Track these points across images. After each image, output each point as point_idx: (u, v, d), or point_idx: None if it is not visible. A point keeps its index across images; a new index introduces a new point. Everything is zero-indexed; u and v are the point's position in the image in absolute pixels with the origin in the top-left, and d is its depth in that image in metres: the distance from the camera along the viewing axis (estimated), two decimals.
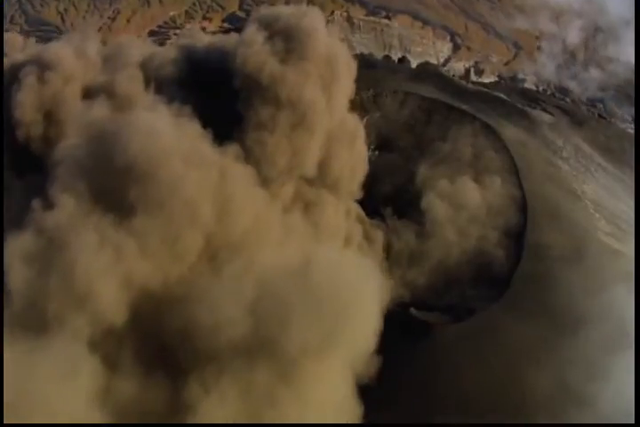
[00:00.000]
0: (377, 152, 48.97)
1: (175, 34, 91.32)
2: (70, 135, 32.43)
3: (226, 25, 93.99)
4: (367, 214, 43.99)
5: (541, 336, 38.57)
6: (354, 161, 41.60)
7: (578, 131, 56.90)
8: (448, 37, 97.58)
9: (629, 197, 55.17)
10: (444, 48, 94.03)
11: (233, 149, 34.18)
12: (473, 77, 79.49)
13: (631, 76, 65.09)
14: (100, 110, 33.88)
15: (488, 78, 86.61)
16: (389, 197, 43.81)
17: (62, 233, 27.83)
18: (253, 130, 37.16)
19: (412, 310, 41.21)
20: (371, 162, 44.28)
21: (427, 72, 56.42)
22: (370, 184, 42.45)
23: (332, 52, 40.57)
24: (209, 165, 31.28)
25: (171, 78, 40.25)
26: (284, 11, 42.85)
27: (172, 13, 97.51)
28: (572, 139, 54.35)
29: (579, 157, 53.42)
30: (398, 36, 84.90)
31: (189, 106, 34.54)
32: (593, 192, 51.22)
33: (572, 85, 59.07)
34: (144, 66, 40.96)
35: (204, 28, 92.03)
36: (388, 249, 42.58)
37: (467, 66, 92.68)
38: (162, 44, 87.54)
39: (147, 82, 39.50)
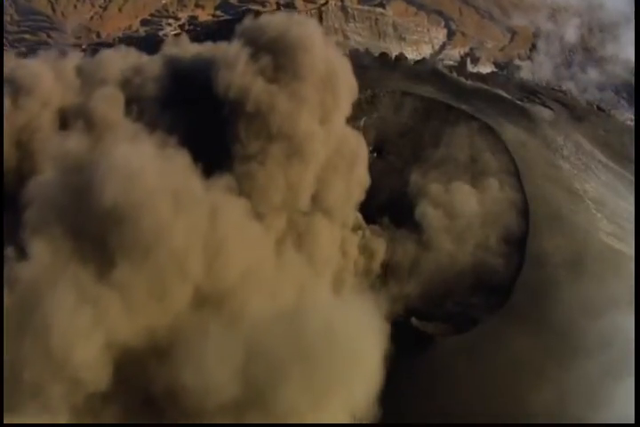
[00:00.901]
0: (375, 154, 47.09)
1: (168, 24, 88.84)
2: (44, 170, 30.00)
3: (218, 13, 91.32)
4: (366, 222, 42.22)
5: (543, 349, 37.56)
6: (352, 186, 39.11)
7: (578, 126, 55.24)
8: (442, 23, 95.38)
9: (630, 193, 54.22)
10: (439, 34, 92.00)
11: (224, 181, 31.94)
12: (469, 67, 77.20)
13: (630, 77, 62.73)
14: (76, 141, 31.29)
15: (484, 66, 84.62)
16: (386, 206, 41.99)
17: (37, 288, 25.03)
18: (243, 162, 34.63)
19: (413, 320, 39.75)
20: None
21: (425, 70, 54.43)
22: (367, 192, 40.68)
23: (331, 68, 37.37)
24: (198, 205, 28.78)
25: (154, 98, 37.61)
26: (273, 21, 39.17)
27: (164, 1, 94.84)
28: (573, 136, 52.88)
29: (579, 154, 51.96)
30: (393, 24, 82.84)
31: (175, 133, 32.44)
32: (594, 190, 49.94)
33: (569, 86, 56.58)
34: (125, 84, 38.23)
35: (195, 17, 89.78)
36: (387, 259, 40.77)
37: (462, 53, 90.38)
38: (154, 34, 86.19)
39: (128, 103, 36.99)
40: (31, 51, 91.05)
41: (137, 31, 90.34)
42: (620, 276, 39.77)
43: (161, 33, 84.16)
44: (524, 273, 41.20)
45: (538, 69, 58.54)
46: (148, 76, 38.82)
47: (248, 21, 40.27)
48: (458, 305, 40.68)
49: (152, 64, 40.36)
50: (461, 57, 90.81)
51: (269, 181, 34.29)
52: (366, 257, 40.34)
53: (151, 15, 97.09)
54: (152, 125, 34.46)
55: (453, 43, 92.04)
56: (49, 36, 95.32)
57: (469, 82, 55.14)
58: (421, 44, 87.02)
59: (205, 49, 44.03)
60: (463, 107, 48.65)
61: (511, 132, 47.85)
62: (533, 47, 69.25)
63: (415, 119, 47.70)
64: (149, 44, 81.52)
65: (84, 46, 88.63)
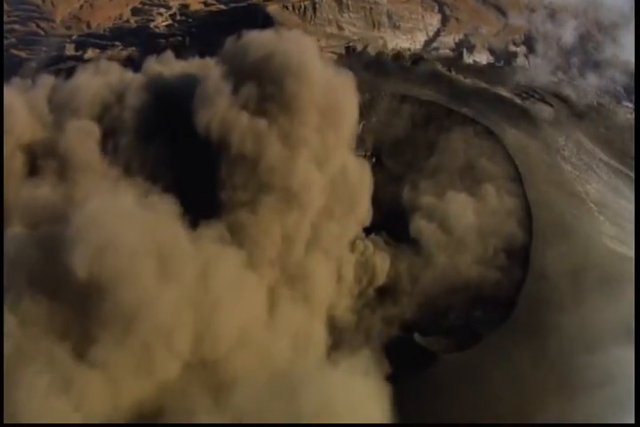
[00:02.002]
0: (374, 159, 45.37)
1: (159, 13, 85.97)
2: (14, 222, 26.79)
3: (210, 1, 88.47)
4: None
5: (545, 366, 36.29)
6: (351, 225, 36.26)
7: (578, 125, 53.47)
8: (436, 8, 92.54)
9: (631, 192, 52.83)
10: (433, 20, 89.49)
11: (214, 230, 29.08)
12: (466, 58, 75.16)
13: (630, 81, 60.37)
14: (47, 190, 28.35)
15: (480, 55, 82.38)
16: (385, 218, 40.27)
17: (7, 368, 21.76)
18: (231, 210, 31.17)
19: (416, 336, 38.40)
20: None
21: (424, 71, 52.37)
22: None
23: (332, 97, 33.21)
24: (186, 266, 25.66)
25: (134, 132, 33.87)
26: (257, 40, 34.56)
27: None
28: (574, 135, 51.35)
29: (581, 154, 50.53)
30: (387, 13, 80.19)
31: (158, 174, 29.80)
32: (596, 192, 48.73)
33: (568, 91, 54.25)
34: (101, 115, 34.57)
35: (187, 5, 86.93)
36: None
37: (457, 40, 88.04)
38: (145, 26, 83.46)
39: (105, 137, 33.44)
40: (21, 42, 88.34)
41: (128, 21, 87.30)
42: (621, 289, 38.13)
43: (152, 24, 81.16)
44: (527, 285, 39.82)
45: (535, 73, 55.82)
46: (128, 105, 34.99)
47: (230, 43, 36.02)
48: (460, 318, 39.31)
49: (132, 91, 36.24)
50: (456, 43, 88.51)
51: (262, 232, 30.99)
52: (367, 274, 38.30)
53: (142, 3, 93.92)
54: (132, 166, 31.66)
55: (448, 29, 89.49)
56: (38, 26, 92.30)
57: (468, 80, 52.99)
58: (416, 31, 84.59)
59: (192, 66, 40.25)
60: (463, 110, 46.96)
61: (512, 136, 46.23)
62: (530, 50, 66.46)
63: (414, 123, 46.03)
64: (140, 36, 79.78)
65: (74, 37, 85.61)
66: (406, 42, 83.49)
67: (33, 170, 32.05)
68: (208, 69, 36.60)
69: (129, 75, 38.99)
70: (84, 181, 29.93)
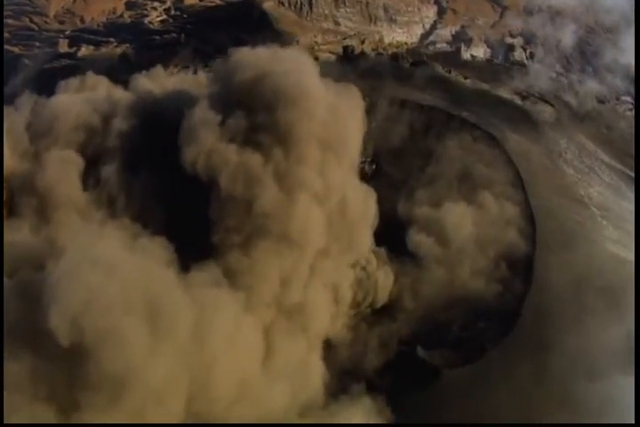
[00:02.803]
0: (374, 166, 44.10)
1: (153, 7, 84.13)
2: None
3: None
4: None
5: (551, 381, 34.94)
6: (351, 257, 33.93)
7: (580, 125, 52.23)
8: (432, 0, 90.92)
9: (632, 192, 52.01)
10: (430, 12, 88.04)
11: (209, 273, 26.70)
12: (463, 53, 73.66)
13: (630, 86, 58.61)
14: (26, 235, 26.04)
15: (477, 49, 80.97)
16: (384, 230, 38.19)
17: None
18: (224, 251, 28.51)
19: (419, 350, 37.35)
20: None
21: (423, 73, 50.88)
22: None
23: (335, 127, 29.89)
24: (180, 321, 23.51)
25: (120, 162, 30.86)
26: (249, 60, 30.93)
27: None
28: (575, 136, 50.29)
29: (583, 156, 49.44)
30: (383, 6, 78.69)
31: (146, 212, 27.48)
32: (598, 195, 47.76)
33: (568, 98, 52.59)
34: (84, 143, 31.63)
35: (182, 0, 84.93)
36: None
37: (453, 32, 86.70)
38: (140, 22, 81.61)
39: (89, 167, 30.69)
40: (15, 37, 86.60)
41: (122, 16, 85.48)
42: (624, 303, 36.94)
43: (146, 20, 79.35)
44: (531, 295, 38.71)
45: (534, 79, 54.17)
46: (114, 130, 31.99)
47: (218, 64, 33.56)
48: (463, 331, 38.26)
49: (119, 114, 33.13)
50: (453, 35, 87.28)
51: (257, 275, 28.38)
52: (369, 293, 36.87)
53: None
54: (118, 203, 29.09)
55: (444, 21, 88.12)
56: (31, 20, 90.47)
57: (468, 81, 51.58)
58: (412, 24, 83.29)
59: (184, 82, 37.83)
60: (464, 114, 45.53)
61: (514, 141, 45.06)
62: (530, 56, 64.62)
63: (414, 129, 44.47)
64: (135, 32, 78.04)
65: (67, 32, 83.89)
66: (403, 35, 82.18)
67: (12, 209, 29.32)
68: (200, 88, 34.55)
69: (117, 92, 36.25)
70: (67, 221, 27.74)
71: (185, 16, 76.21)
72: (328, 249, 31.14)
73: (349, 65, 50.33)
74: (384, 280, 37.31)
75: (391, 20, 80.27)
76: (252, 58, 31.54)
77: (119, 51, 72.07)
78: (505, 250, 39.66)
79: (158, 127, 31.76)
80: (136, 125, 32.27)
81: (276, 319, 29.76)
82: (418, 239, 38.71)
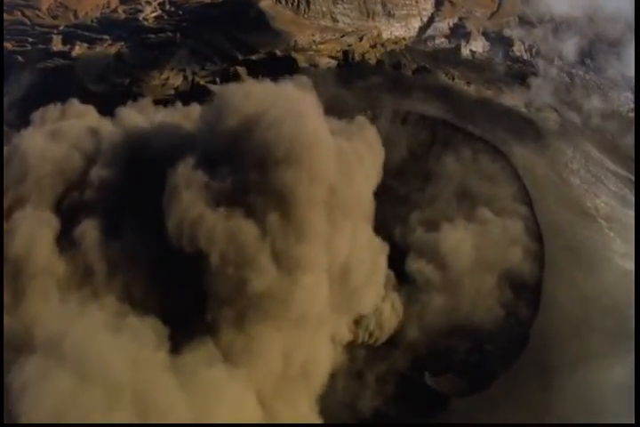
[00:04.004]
0: None
1: (147, 1, 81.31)
2: None
3: None
4: None
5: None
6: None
7: (585, 132, 50.29)
8: None
9: None
10: (427, 5, 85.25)
11: (204, 352, 23.88)
12: (463, 49, 71.55)
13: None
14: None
15: (476, 42, 78.60)
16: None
17: None
18: (220, 328, 25.13)
19: (427, 376, 35.87)
20: None
21: (426, 82, 48.75)
22: None
23: (346, 187, 25.34)
24: (172, 413, 21.09)
25: (102, 224, 26.27)
26: (237, 102, 25.79)
27: None
28: (581, 145, 48.48)
29: (589, 165, 47.81)
30: (381, 1, 75.94)
31: (132, 285, 23.63)
32: (605, 205, 46.47)
33: (571, 116, 50.16)
34: (63, 195, 27.53)
35: None
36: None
37: (451, 24, 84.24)
38: (134, 18, 78.88)
39: (65, 226, 26.47)
40: (7, 32, 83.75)
41: (116, 10, 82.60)
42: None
43: (141, 16, 76.65)
44: (539, 318, 37.16)
45: (535, 96, 51.79)
46: (93, 180, 27.61)
47: (205, 109, 28.26)
48: (471, 354, 36.66)
49: (99, 161, 28.61)
50: (451, 28, 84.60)
51: (254, 352, 25.31)
52: (375, 329, 35.04)
53: None
54: (98, 273, 25.02)
55: (442, 13, 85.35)
56: (24, 14, 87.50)
57: (472, 88, 49.47)
58: (410, 18, 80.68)
59: (174, 116, 33.07)
60: (469, 127, 43.46)
61: (520, 154, 43.26)
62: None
63: (418, 144, 42.43)
64: (129, 29, 75.40)
65: (61, 28, 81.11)
66: (401, 30, 79.63)
67: None
68: (191, 124, 30.26)
69: (102, 127, 31.57)
70: (43, 295, 24.24)
71: (180, 12, 73.56)
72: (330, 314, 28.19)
73: (350, 74, 47.89)
74: (390, 315, 35.20)
75: (389, 15, 77.70)
76: (239, 98, 26.66)
77: (114, 50, 69.22)
78: (509, 272, 38.18)
79: (143, 177, 27.66)
80: (118, 175, 28.04)
81: (277, 386, 26.98)
82: (417, 266, 37.08)
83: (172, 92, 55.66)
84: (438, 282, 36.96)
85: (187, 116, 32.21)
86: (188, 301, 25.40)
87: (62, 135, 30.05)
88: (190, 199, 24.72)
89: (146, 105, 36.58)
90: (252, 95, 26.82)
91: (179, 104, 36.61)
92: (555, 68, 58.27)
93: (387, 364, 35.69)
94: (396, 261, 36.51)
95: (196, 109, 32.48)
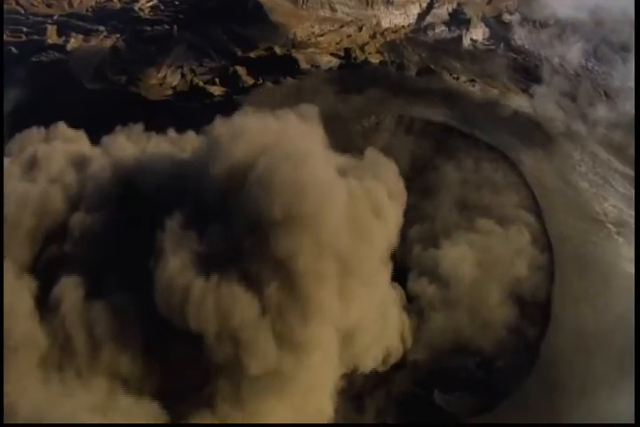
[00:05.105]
0: None
1: None
2: None
3: None
4: None
5: None
6: None
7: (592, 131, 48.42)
8: None
9: None
10: None
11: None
12: (464, 40, 69.12)
13: None
14: None
15: (476, 30, 76.02)
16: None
17: None
18: (220, 403, 22.39)
19: (436, 394, 34.59)
20: None
21: (431, 85, 46.63)
22: None
23: (360, 245, 21.34)
24: None
25: (80, 280, 22.89)
26: (228, 146, 21.50)
27: None
28: (588, 146, 46.33)
29: (596, 167, 46.07)
30: None
31: (122, 359, 20.70)
32: (613, 208, 44.87)
33: (577, 126, 47.82)
34: (42, 247, 24.26)
35: None
36: None
37: (450, 10, 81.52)
38: (130, 8, 76.07)
39: (45, 288, 23.20)
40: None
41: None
42: None
43: (136, 6, 73.93)
44: (549, 332, 35.81)
45: (540, 104, 49.44)
46: (74, 232, 24.05)
47: (194, 153, 24.14)
48: (481, 370, 35.29)
49: (82, 205, 25.22)
50: (450, 14, 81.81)
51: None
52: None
53: None
54: (80, 348, 21.95)
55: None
56: (17, 2, 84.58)
57: (477, 87, 47.38)
58: (409, 4, 77.83)
59: (167, 144, 30.11)
60: (476, 132, 41.57)
61: (528, 161, 41.38)
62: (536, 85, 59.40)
63: (422, 151, 40.58)
64: (125, 19, 72.80)
65: (55, 17, 78.43)
66: (400, 17, 76.98)
67: None
68: (186, 155, 27.26)
69: (87, 163, 27.93)
70: (26, 374, 21.35)
71: (176, 3, 70.91)
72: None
73: (353, 76, 45.80)
74: (399, 345, 33.00)
75: (388, 2, 74.94)
76: (226, 139, 22.81)
77: (109, 43, 66.78)
78: (515, 286, 36.82)
79: (131, 226, 24.45)
80: (103, 223, 24.66)
81: None
82: (420, 287, 35.56)
83: (170, 92, 53.49)
84: (442, 301, 35.54)
85: (181, 147, 29.34)
86: (185, 373, 22.93)
87: (41, 167, 26.89)
88: (178, 266, 21.59)
89: (137, 133, 33.04)
90: (243, 135, 23.00)
91: (172, 132, 32.80)
92: (559, 75, 55.72)
93: (390, 385, 34.29)
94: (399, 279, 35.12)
95: (190, 138, 29.37)
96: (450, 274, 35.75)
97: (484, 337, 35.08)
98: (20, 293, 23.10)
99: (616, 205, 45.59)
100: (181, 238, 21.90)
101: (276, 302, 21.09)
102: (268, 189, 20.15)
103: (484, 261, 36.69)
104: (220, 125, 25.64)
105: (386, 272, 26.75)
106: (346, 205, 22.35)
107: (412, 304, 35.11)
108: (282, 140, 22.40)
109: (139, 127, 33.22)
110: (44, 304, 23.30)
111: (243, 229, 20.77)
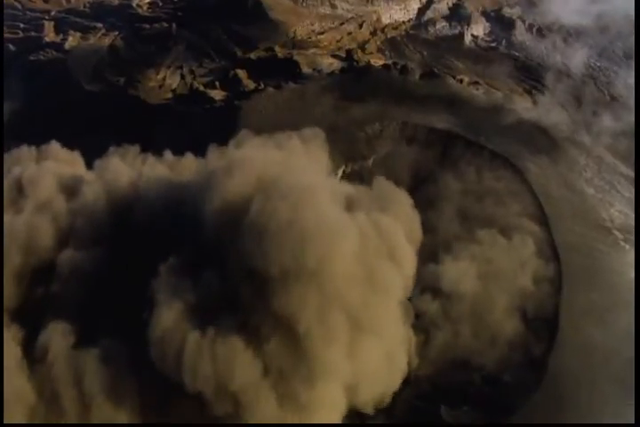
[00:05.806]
0: None
1: None
2: None
3: None
4: None
5: None
6: None
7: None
8: None
9: None
10: None
11: None
12: (466, 36, 67.69)
13: None
14: None
15: (477, 26, 74.57)
16: None
17: None
18: None
19: (443, 409, 33.70)
20: None
21: (434, 91, 45.30)
22: None
23: (372, 302, 18.85)
24: None
25: (68, 323, 21.03)
26: (224, 184, 19.16)
27: None
28: (594, 150, 45.11)
29: (602, 171, 45.09)
30: None
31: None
32: (619, 214, 44.17)
33: (581, 136, 46.35)
34: (28, 292, 22.16)
35: None
36: None
37: (450, 4, 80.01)
38: (127, 4, 74.41)
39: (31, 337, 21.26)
40: None
41: None
42: None
43: (134, 2, 72.29)
44: (557, 345, 34.81)
45: (544, 113, 47.99)
46: (63, 271, 21.97)
47: (189, 188, 21.73)
48: (488, 384, 34.31)
49: (71, 240, 22.99)
50: (450, 8, 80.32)
51: None
52: None
53: None
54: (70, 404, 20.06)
55: None
56: None
57: (481, 91, 46.05)
58: (409, 0, 76.11)
59: (164, 168, 28.05)
60: (481, 139, 40.31)
61: (534, 168, 40.14)
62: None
63: (427, 158, 39.37)
64: (123, 16, 71.21)
65: (52, 13, 76.81)
66: (400, 13, 75.50)
67: None
68: (184, 178, 25.43)
69: (78, 191, 25.70)
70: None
71: (175, 0, 69.16)
72: None
73: (355, 81, 44.48)
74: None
75: None
76: (220, 173, 20.49)
77: (108, 41, 65.26)
78: (521, 300, 35.69)
79: (125, 264, 22.35)
80: (95, 260, 22.65)
81: None
82: (424, 305, 34.62)
83: (170, 95, 52.10)
84: (446, 317, 34.61)
85: (178, 172, 27.31)
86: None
87: (29, 192, 25.02)
88: (172, 318, 19.84)
89: (132, 154, 31.16)
90: (241, 166, 20.66)
91: (168, 154, 30.61)
92: (562, 83, 54.31)
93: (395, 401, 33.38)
94: None
95: (187, 162, 27.61)
96: (452, 289, 34.87)
97: (490, 352, 34.18)
98: (8, 343, 21.29)
99: (622, 210, 44.70)
100: (175, 287, 19.95)
101: (278, 363, 19.34)
102: (263, 239, 17.89)
103: (487, 273, 35.66)
104: (217, 154, 24.04)
105: (401, 321, 24.53)
106: (355, 248, 19.99)
107: (418, 321, 33.98)
108: (282, 172, 20.14)
109: (134, 149, 31.26)
110: (32, 353, 21.54)
111: (239, 277, 18.76)
